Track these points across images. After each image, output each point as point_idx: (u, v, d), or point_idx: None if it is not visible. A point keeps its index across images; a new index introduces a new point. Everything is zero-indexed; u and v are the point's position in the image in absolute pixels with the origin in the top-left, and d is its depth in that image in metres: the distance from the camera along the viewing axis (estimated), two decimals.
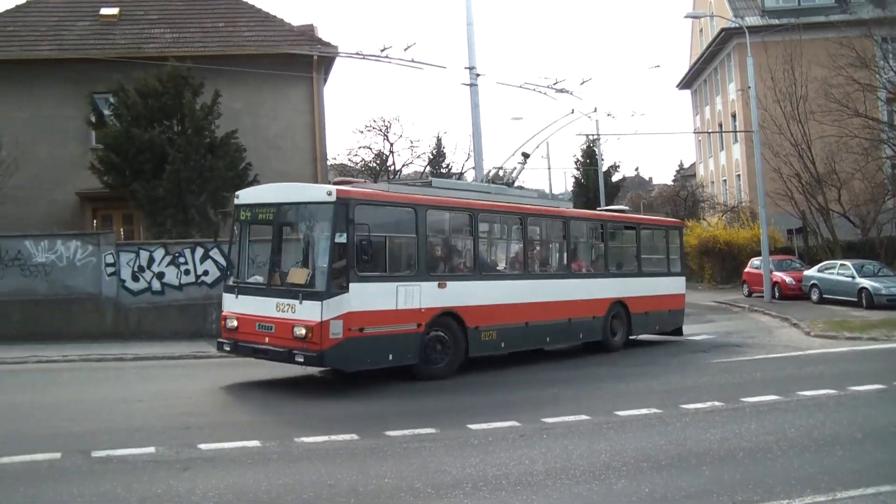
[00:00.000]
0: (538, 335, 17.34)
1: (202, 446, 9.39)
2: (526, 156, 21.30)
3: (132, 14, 29.46)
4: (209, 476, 8.26)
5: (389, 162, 43.27)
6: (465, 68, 23.62)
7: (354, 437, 9.97)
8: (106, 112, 24.65)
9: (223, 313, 14.56)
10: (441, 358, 14.90)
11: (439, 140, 48.98)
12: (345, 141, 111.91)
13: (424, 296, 14.50)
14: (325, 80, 29.62)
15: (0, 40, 27.67)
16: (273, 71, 26.47)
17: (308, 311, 13.06)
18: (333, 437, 9.93)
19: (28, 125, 25.72)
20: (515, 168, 21.14)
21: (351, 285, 13.19)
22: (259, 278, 14.48)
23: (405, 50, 20.05)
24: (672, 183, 76.10)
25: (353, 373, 14.00)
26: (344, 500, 7.49)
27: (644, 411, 11.66)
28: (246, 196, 15.02)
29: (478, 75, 23.54)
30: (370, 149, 43.63)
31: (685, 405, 12.04)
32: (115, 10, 29.22)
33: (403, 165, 45.35)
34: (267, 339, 13.54)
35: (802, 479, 8.06)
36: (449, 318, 15.06)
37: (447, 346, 14.97)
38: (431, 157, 47.28)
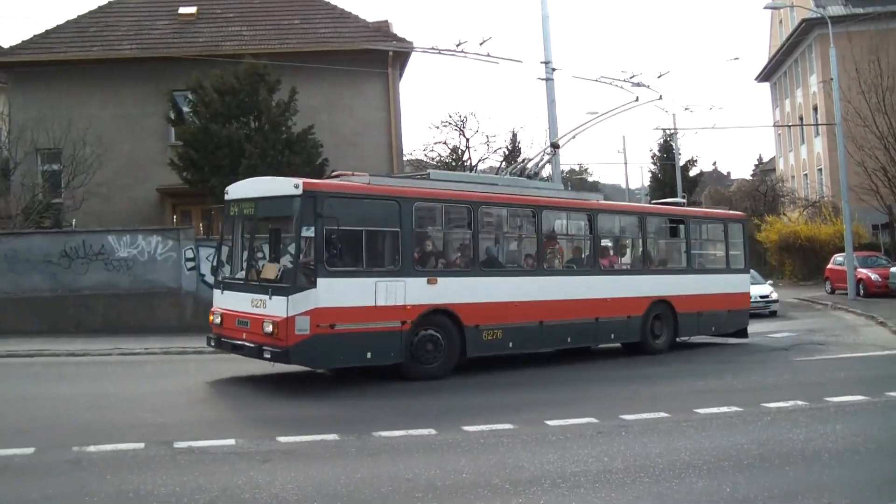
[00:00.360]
0: (556, 335, 16.16)
1: (281, 439, 9.43)
2: (556, 146, 20.29)
3: (210, 12, 29.95)
4: (288, 468, 8.26)
5: (465, 157, 43.17)
6: (541, 63, 23.39)
7: (432, 431, 9.91)
8: (185, 109, 25.06)
9: (212, 308, 14.51)
10: (433, 358, 14.12)
11: (514, 135, 48.76)
12: (421, 136, 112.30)
13: (410, 292, 13.80)
14: (401, 76, 29.65)
15: (83, 41, 28.34)
16: (349, 67, 26.61)
17: (276, 307, 12.73)
18: (411, 432, 9.87)
19: (111, 123, 26.29)
20: (542, 160, 19.42)
21: (319, 280, 12.70)
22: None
23: (481, 44, 19.83)
24: (751, 177, 74.61)
25: None
26: (422, 494, 7.41)
27: (724, 409, 11.36)
28: (234, 191, 14.66)
29: (553, 70, 23.30)
30: (446, 144, 43.63)
31: (767, 404, 11.68)
32: (193, 9, 29.70)
33: (479, 161, 45.20)
34: (244, 335, 13.34)
35: (893, 483, 7.80)
36: (442, 315, 14.32)
37: (440, 346, 14.20)
38: (507, 152, 47.06)
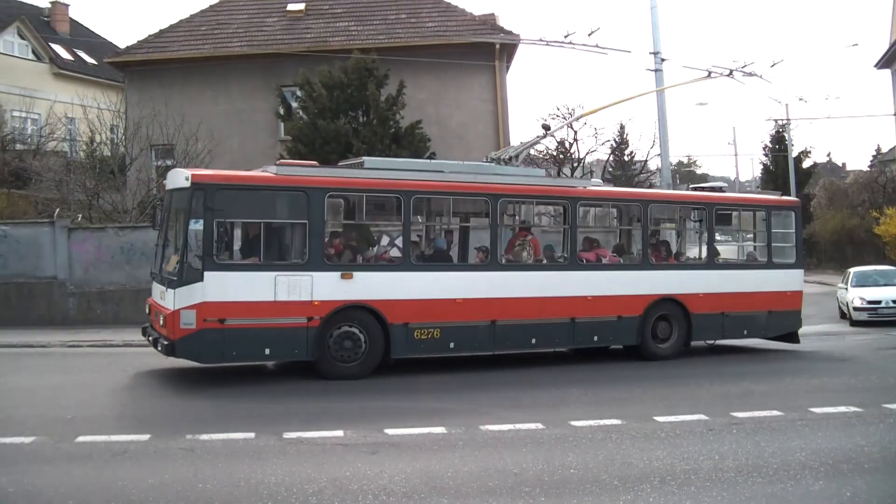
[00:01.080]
0: (515, 336, 14.68)
1: (389, 431, 9.47)
2: (547, 128, 18.87)
3: (318, 9, 30.16)
4: (396, 460, 8.30)
5: (573, 150, 42.61)
6: (650, 53, 22.80)
7: (540, 426, 9.79)
8: (293, 105, 25.26)
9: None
10: (352, 356, 13.33)
11: (622, 127, 48.06)
12: (529, 129, 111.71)
13: (319, 287, 13.05)
14: (508, 69, 29.36)
15: (195, 39, 28.88)
16: (456, 60, 26.41)
17: (169, 300, 12.55)
18: (518, 426, 9.77)
19: (222, 118, 26.67)
20: (523, 146, 17.98)
21: (206, 274, 12.32)
22: None
23: (589, 35, 19.40)
24: (868, 168, 71.69)
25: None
26: (529, 489, 7.34)
27: (842, 409, 10.88)
28: (167, 181, 14.44)
29: (662, 60, 22.66)
30: (553, 136, 43.04)
31: (889, 405, 11.12)
32: (301, 6, 29.95)
33: (587, 153, 44.60)
34: (157, 327, 13.20)
35: None
36: (362, 312, 13.48)
37: (359, 344, 13.39)
38: (615, 144, 46.41)
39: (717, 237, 18.00)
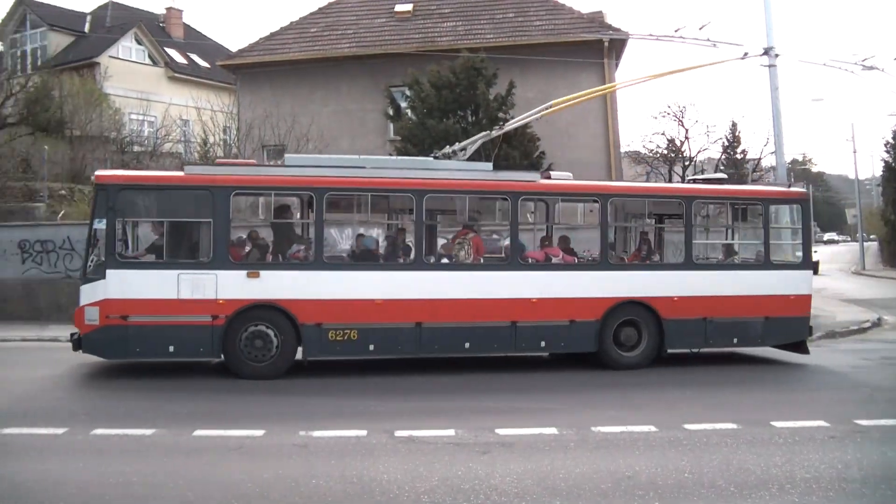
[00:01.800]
0: (446, 339, 13.83)
1: (499, 431, 9.45)
2: (504, 121, 17.42)
3: (425, 9, 30.27)
4: (507, 461, 8.25)
5: (684, 148, 41.73)
6: (763, 49, 22.08)
7: (652, 428, 9.63)
8: (402, 105, 25.36)
9: None
10: (263, 356, 13.09)
11: (734, 125, 46.84)
12: (639, 127, 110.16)
13: (224, 286, 12.91)
14: (617, 66, 28.92)
15: (305, 41, 29.31)
16: (564, 59, 26.14)
17: (80, 297, 12.89)
18: (630, 428, 9.65)
19: (332, 119, 27.01)
20: (473, 139, 16.71)
21: (108, 272, 12.61)
22: None
23: (700, 29, 18.90)
24: None
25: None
26: (643, 492, 7.22)
27: None
28: None
29: (776, 55, 21.92)
30: (664, 135, 42.50)
31: None
32: (409, 7, 30.12)
33: (698, 152, 43.62)
34: None
35: None
36: (272, 311, 13.22)
37: (270, 344, 13.14)
38: (726, 142, 45.32)
39: (711, 234, 16.95)
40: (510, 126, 17.31)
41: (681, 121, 41.54)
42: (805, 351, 15.37)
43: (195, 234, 13.44)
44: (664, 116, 43.99)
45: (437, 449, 8.71)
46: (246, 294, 13.04)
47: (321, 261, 13.51)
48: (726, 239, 16.69)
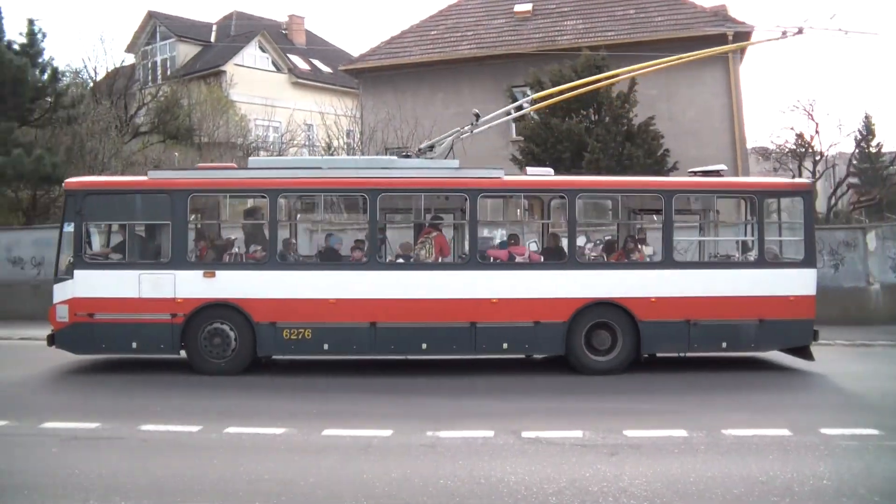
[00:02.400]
0: (402, 340, 13.75)
1: (627, 433, 9.38)
2: (477, 116, 15.99)
3: (544, 8, 30.16)
4: (636, 463, 8.20)
5: (814, 143, 40.33)
6: None
7: (786, 432, 9.41)
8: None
9: None
10: (221, 354, 13.60)
11: (867, 117, 44.95)
12: (767, 123, 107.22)
13: (182, 285, 13.52)
14: (741, 60, 28.24)
15: (425, 44, 29.57)
16: (687, 54, 25.67)
17: (53, 296, 13.82)
18: (763, 432, 9.44)
19: (454, 121, 26.89)
20: (443, 136, 16.34)
21: (76, 272, 13.54)
22: None
23: (830, 19, 18.31)
24: None
25: None
26: (777, 499, 7.09)
27: None
28: None
29: None
30: (793, 129, 41.01)
31: None
32: (528, 6, 30.06)
33: (830, 146, 42.07)
34: None
35: None
36: (229, 310, 13.63)
37: (229, 342, 13.59)
38: (860, 135, 43.56)
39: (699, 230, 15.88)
40: (484, 126, 16.14)
41: (810, 114, 40.27)
42: (809, 357, 14.18)
43: (156, 236, 14.24)
44: (793, 111, 42.65)
45: (565, 450, 8.70)
46: (202, 293, 13.60)
47: (274, 261, 13.88)
48: (707, 235, 15.73)
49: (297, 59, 44.97)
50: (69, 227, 13.83)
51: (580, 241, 15.27)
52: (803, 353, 14.21)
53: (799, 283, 14.12)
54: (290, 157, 14.54)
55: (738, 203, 16.02)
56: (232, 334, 13.62)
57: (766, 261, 14.28)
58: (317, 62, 45.65)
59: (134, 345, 13.72)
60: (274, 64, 43.45)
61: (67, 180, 14.58)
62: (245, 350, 13.63)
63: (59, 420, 9.97)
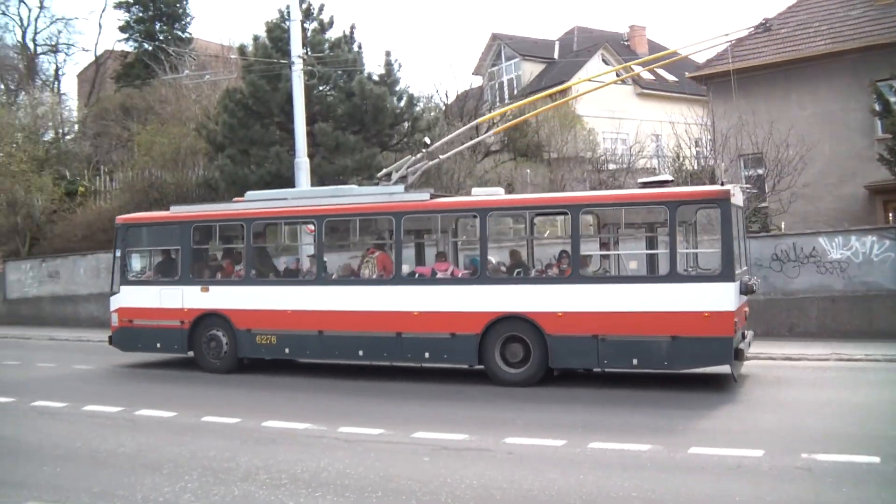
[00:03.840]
0: (342, 346, 15.86)
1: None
2: (426, 145, 17.38)
3: None
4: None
5: None
6: None
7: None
8: (892, 99, 23.51)
9: None
10: (217, 355, 17.01)
11: None
12: None
13: (187, 298, 17.17)
14: None
15: (776, 43, 28.39)
16: None
17: (110, 306, 18.49)
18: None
19: (810, 122, 25.87)
20: (399, 165, 17.85)
21: (121, 288, 18.00)
22: None
23: None
24: None
25: None
26: None
27: None
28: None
29: None
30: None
31: None
32: None
33: None
34: None
35: None
36: (218, 319, 16.93)
37: (222, 345, 16.95)
38: None
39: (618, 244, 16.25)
40: (433, 147, 17.79)
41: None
42: (733, 378, 13.47)
43: (171, 259, 18.02)
44: None
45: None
46: (201, 304, 17.05)
47: (250, 278, 16.81)
48: (611, 249, 15.92)
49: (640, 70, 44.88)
50: (118, 253, 18.20)
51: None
52: (726, 360, 13.23)
53: (714, 298, 13.22)
54: (270, 192, 17.96)
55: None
56: (223, 339, 16.90)
57: (679, 274, 13.69)
58: (661, 71, 45.28)
59: (158, 345, 17.76)
60: (617, 76, 43.60)
61: (117, 217, 19.12)
62: (232, 352, 16.88)
63: (429, 431, 10.84)
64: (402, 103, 27.98)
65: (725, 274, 13.30)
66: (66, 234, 33.57)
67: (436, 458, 9.52)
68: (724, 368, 13.45)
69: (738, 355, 13.35)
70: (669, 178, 16.07)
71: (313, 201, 16.77)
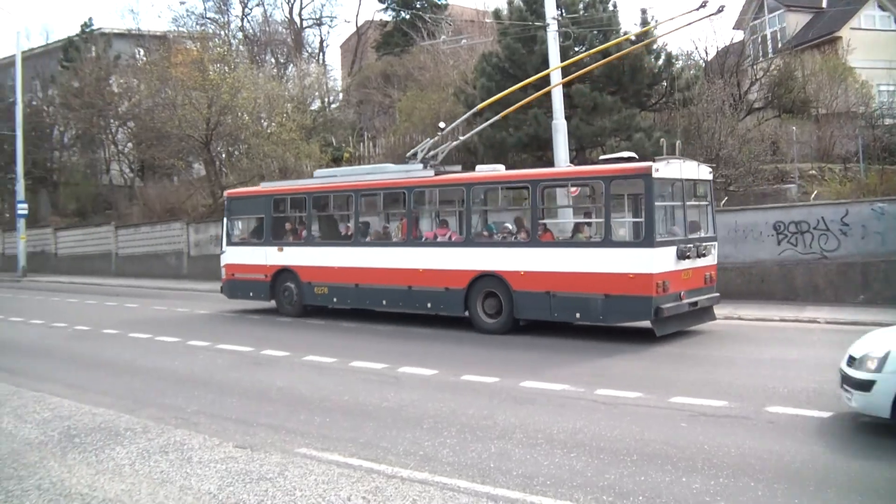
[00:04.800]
0: (371, 297, 19.31)
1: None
2: (440, 129, 20.50)
3: None
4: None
5: None
6: None
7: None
8: None
9: None
10: (289, 304, 21.18)
11: None
12: None
13: (269, 256, 21.35)
14: None
15: None
16: None
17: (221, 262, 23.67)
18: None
19: None
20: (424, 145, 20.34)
21: (227, 248, 22.77)
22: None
23: None
24: None
25: None
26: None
27: None
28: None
29: None
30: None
31: None
32: None
33: None
34: None
35: None
36: (288, 273, 21.00)
37: (293, 295, 21.04)
38: None
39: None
40: (447, 129, 20.82)
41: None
42: (656, 332, 15.32)
43: (260, 224, 22.05)
44: None
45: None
46: (277, 262, 21.26)
47: (309, 240, 20.91)
48: (567, 217, 18.57)
49: None
50: (225, 220, 23.01)
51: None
52: (659, 326, 15.34)
53: (637, 261, 15.11)
54: (330, 170, 24.65)
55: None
56: (294, 289, 20.94)
57: (611, 241, 15.52)
58: None
59: (250, 294, 22.06)
60: None
61: (226, 191, 24.55)
62: (300, 300, 20.91)
63: (686, 396, 10.80)
64: (660, 62, 27.37)
65: (647, 240, 15.02)
66: None
67: (693, 424, 9.48)
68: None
69: (658, 312, 15.00)
70: (630, 154, 17.23)
71: (354, 178, 20.40)
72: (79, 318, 22.11)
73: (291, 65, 49.79)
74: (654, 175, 15.06)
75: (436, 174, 18.67)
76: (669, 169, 15.75)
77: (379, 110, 41.14)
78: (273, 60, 51.71)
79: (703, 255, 16.32)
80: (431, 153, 19.76)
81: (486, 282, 17.19)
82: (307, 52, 55.61)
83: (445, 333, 17.51)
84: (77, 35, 53.09)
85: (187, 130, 37.41)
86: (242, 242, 22.46)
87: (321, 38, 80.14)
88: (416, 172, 19.06)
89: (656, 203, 15.21)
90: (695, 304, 16.03)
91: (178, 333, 18.33)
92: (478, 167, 19.27)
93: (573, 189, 17.17)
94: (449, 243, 18.17)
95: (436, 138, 20.26)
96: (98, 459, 8.60)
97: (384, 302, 19.08)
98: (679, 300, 15.56)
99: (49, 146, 51.97)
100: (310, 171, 34.82)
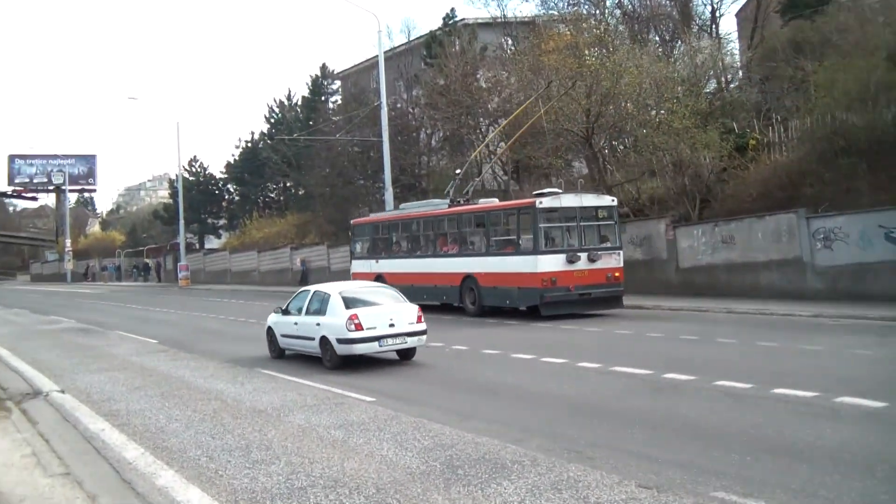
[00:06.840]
0: (419, 293, 24.97)
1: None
2: (456, 176, 31.64)
3: None
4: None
5: None
6: None
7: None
8: None
9: None
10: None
11: None
12: None
13: (372, 266, 31.15)
14: None
15: None
16: None
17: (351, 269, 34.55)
18: None
19: None
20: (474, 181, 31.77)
21: (353, 262, 33.54)
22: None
23: None
24: None
25: None
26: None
27: None
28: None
29: None
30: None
31: None
32: None
33: None
34: None
35: None
36: (381, 279, 28.02)
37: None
38: None
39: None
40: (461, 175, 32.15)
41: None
42: (540, 314, 23.58)
43: (370, 244, 32.47)
44: None
45: None
46: (375, 270, 30.56)
47: (394, 254, 30.77)
48: (502, 235, 26.05)
49: None
50: (353, 243, 34.21)
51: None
52: (547, 311, 23.67)
53: (531, 263, 23.78)
54: (412, 203, 33.47)
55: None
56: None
57: (520, 250, 24.41)
58: None
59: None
60: None
61: (352, 220, 36.04)
62: None
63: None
64: None
65: (535, 249, 23.75)
66: (739, 194, 30.04)
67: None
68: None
69: (541, 298, 23.44)
70: (558, 190, 26.38)
71: (412, 210, 30.83)
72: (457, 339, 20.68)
73: (679, 41, 44.28)
74: (538, 206, 23.62)
75: (449, 206, 28.57)
76: (556, 200, 24.14)
77: (789, 87, 35.31)
78: (657, 38, 46.63)
79: (595, 260, 23.95)
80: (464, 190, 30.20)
81: (469, 281, 26.37)
82: (697, 24, 48.95)
83: None
84: (439, 29, 52.16)
85: (565, 124, 34.07)
86: (360, 257, 32.77)
87: (713, 6, 71.68)
88: (438, 205, 29.32)
89: (542, 224, 23.70)
90: (587, 294, 23.83)
91: (565, 355, 16.69)
92: (480, 200, 28.53)
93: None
94: (449, 254, 27.64)
95: (477, 180, 32.61)
96: (484, 495, 8.01)
97: (425, 296, 25.99)
98: (568, 292, 23.52)
99: (416, 150, 51.23)
100: (710, 163, 31.92)
